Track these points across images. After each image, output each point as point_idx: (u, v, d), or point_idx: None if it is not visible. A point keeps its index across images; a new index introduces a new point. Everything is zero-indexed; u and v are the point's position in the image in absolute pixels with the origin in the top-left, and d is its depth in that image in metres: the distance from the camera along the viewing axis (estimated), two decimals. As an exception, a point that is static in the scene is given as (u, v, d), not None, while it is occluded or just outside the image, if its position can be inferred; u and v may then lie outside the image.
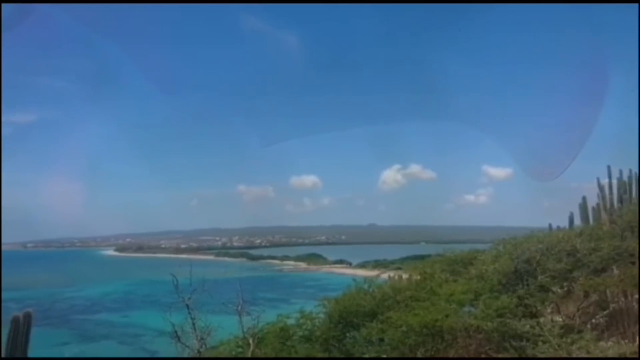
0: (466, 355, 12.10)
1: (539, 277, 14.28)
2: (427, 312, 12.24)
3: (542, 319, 13.09)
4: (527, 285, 14.30)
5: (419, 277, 17.02)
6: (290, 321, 14.48)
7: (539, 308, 13.94)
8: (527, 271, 14.65)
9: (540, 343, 10.70)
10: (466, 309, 13.39)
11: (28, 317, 8.51)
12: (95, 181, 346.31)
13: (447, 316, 12.04)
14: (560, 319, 14.08)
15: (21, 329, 8.32)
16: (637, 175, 22.15)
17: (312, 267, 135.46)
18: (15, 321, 8.27)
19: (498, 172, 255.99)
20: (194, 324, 8.08)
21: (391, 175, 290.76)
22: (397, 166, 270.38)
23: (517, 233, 18.12)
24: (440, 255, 19.01)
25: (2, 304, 66.90)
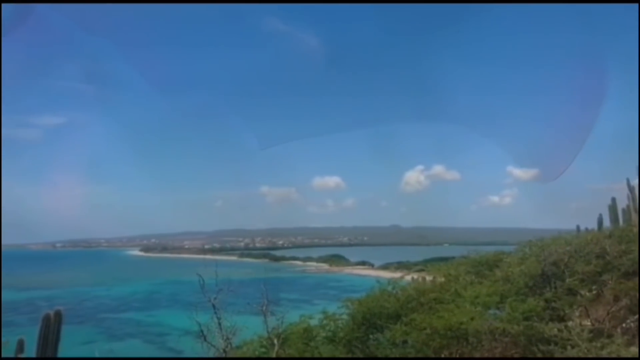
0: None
1: (567, 280, 13.99)
2: (451, 314, 12.09)
3: (570, 323, 12.79)
4: (555, 288, 14.02)
5: (443, 279, 16.81)
6: (314, 322, 14.51)
7: (567, 312, 13.62)
8: (554, 274, 14.36)
9: (569, 347, 10.46)
10: (492, 311, 13.18)
11: (59, 315, 8.74)
12: (121, 183, 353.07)
13: (472, 319, 11.87)
14: (589, 323, 13.74)
15: (52, 326, 8.56)
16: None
17: (334, 268, 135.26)
18: (46, 319, 8.51)
19: (523, 172, 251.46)
20: (219, 324, 8.14)
21: (414, 176, 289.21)
22: (420, 167, 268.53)
23: (543, 235, 17.79)
24: (465, 257, 18.77)
25: (33, 302, 68.59)
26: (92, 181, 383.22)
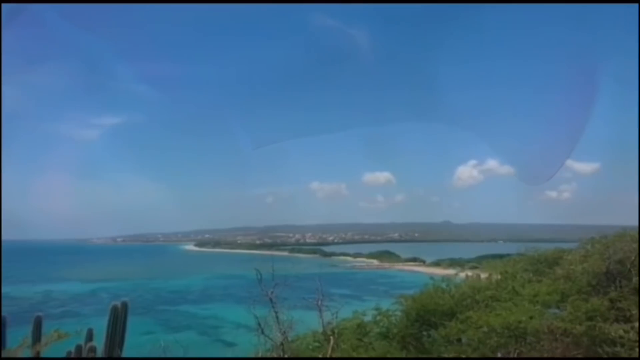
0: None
1: (634, 279, 13.30)
2: (509, 312, 11.79)
3: (637, 324, 12.19)
4: (620, 287, 13.35)
5: (499, 277, 16.40)
6: (366, 318, 14.55)
7: (633, 312, 12.97)
8: (619, 272, 13.68)
9: (637, 349, 9.98)
10: (552, 310, 12.75)
11: (125, 306, 9.20)
12: (176, 181, 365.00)
13: (531, 318, 11.53)
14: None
15: (120, 316, 9.02)
16: None
17: (385, 264, 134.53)
18: (114, 309, 8.97)
19: (583, 166, 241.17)
20: (277, 318, 8.32)
21: (466, 171, 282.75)
22: (473, 162, 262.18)
23: (606, 231, 16.97)
24: (522, 254, 18.20)
25: (96, 294, 71.88)
26: (149, 179, 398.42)
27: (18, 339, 9.91)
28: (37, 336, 8.89)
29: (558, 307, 12.87)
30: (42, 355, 8.77)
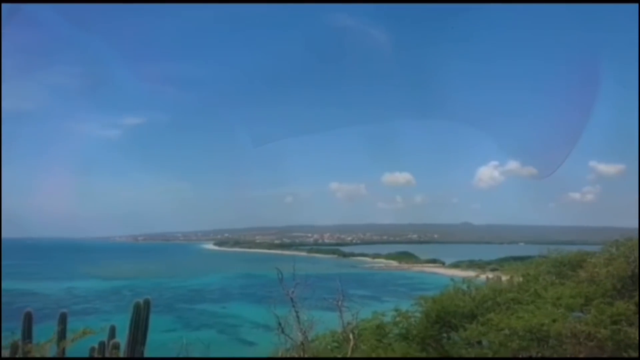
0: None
1: (661, 283, 13.00)
2: (531, 315, 11.61)
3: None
4: (647, 291, 13.07)
5: (521, 279, 16.20)
6: (386, 319, 14.50)
7: (660, 317, 12.69)
8: (646, 276, 13.39)
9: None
10: (575, 314, 12.52)
11: (147, 303, 9.36)
12: (197, 180, 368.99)
13: (554, 321, 11.33)
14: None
15: (142, 313, 9.18)
16: None
17: (404, 265, 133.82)
18: (137, 306, 9.14)
19: (607, 168, 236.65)
20: (297, 317, 8.35)
21: (487, 172, 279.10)
22: (494, 162, 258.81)
23: (630, 234, 16.60)
24: (544, 257, 17.93)
25: (118, 292, 72.97)
26: (169, 178, 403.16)
27: (44, 334, 10.15)
28: (62, 332, 9.10)
29: (582, 311, 12.63)
30: (68, 350, 8.97)
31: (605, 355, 11.51)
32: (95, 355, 9.06)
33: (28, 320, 9.27)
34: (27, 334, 9.21)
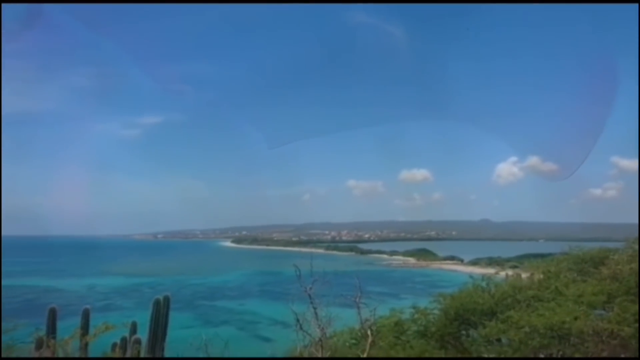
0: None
1: (686, 281, 12.71)
2: (552, 313, 11.44)
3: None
4: (671, 289, 12.79)
5: (541, 276, 15.96)
6: (404, 316, 14.44)
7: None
8: (670, 273, 13.11)
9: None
10: (598, 312, 12.32)
11: (167, 300, 9.48)
12: (216, 178, 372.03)
13: (576, 318, 11.16)
14: None
15: (162, 310, 9.29)
16: None
17: (422, 262, 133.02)
18: (157, 303, 9.26)
19: (630, 163, 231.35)
20: (316, 314, 8.36)
21: (506, 169, 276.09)
22: (513, 158, 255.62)
23: (653, 231, 16.29)
24: (565, 254, 17.64)
25: (138, 289, 73.87)
26: (188, 177, 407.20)
27: (67, 330, 10.35)
28: (85, 327, 9.26)
29: (604, 309, 12.42)
30: (90, 345, 9.13)
31: (628, 353, 11.32)
32: (117, 350, 9.20)
33: (52, 316, 9.45)
34: (52, 330, 9.40)
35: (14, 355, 7.80)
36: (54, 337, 9.28)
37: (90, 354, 10.12)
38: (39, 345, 8.98)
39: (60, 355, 7.99)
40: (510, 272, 23.27)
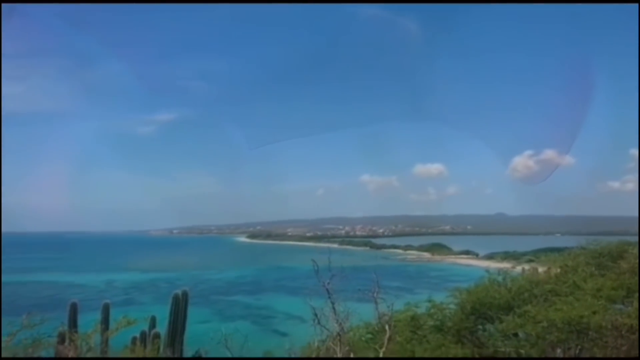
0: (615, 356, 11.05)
1: None
2: (570, 307, 11.33)
3: None
4: (693, 283, 12.60)
5: (558, 270, 15.81)
6: (419, 311, 14.41)
7: None
8: (691, 267, 12.92)
9: None
10: (617, 306, 12.18)
11: (186, 295, 9.61)
12: (230, 174, 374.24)
13: (594, 313, 11.05)
14: None
15: (180, 304, 9.43)
16: None
17: (436, 257, 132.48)
18: (176, 297, 9.39)
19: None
20: (334, 308, 8.42)
21: (522, 162, 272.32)
22: (529, 152, 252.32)
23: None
24: (583, 248, 17.45)
25: (155, 284, 74.73)
26: (203, 173, 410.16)
27: (88, 324, 10.55)
28: (105, 321, 9.44)
29: (623, 303, 12.29)
30: (111, 339, 9.31)
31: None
32: (137, 344, 9.36)
33: (73, 310, 9.64)
34: (73, 324, 9.59)
35: (40, 349, 7.99)
36: (76, 331, 9.46)
37: (111, 348, 10.32)
38: (62, 339, 9.17)
39: (84, 348, 8.18)
40: (526, 266, 23.10)
